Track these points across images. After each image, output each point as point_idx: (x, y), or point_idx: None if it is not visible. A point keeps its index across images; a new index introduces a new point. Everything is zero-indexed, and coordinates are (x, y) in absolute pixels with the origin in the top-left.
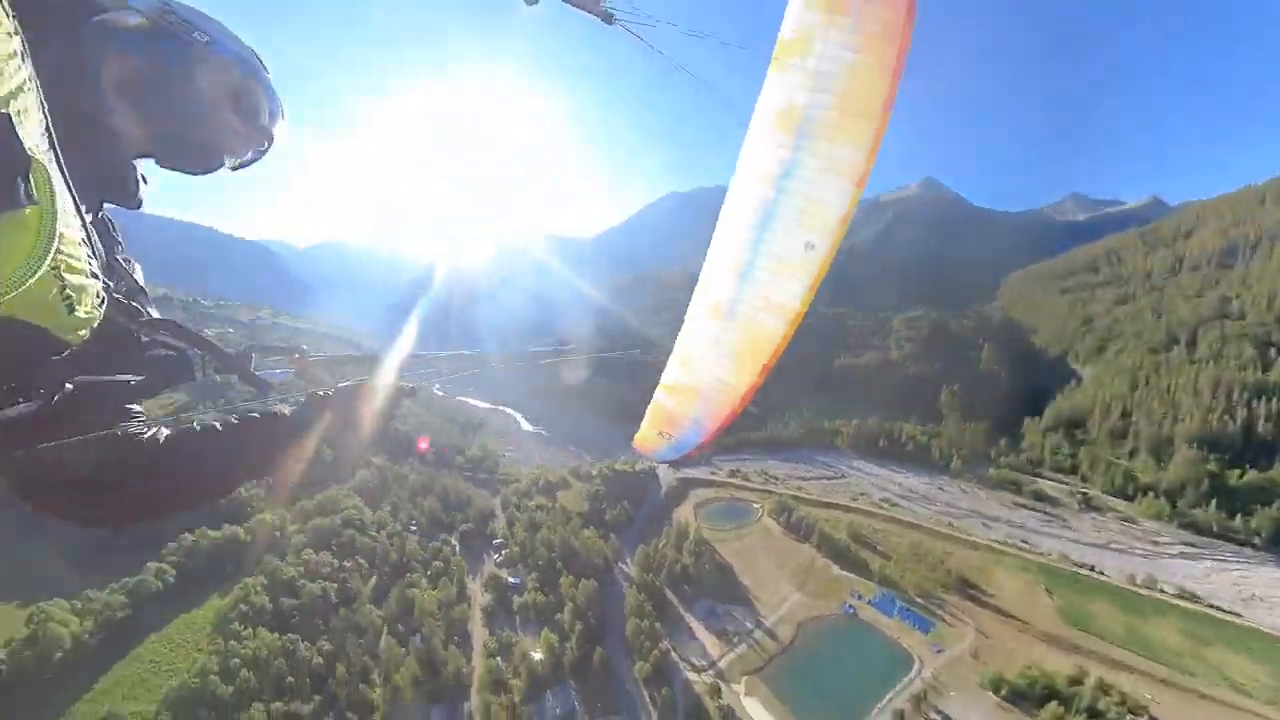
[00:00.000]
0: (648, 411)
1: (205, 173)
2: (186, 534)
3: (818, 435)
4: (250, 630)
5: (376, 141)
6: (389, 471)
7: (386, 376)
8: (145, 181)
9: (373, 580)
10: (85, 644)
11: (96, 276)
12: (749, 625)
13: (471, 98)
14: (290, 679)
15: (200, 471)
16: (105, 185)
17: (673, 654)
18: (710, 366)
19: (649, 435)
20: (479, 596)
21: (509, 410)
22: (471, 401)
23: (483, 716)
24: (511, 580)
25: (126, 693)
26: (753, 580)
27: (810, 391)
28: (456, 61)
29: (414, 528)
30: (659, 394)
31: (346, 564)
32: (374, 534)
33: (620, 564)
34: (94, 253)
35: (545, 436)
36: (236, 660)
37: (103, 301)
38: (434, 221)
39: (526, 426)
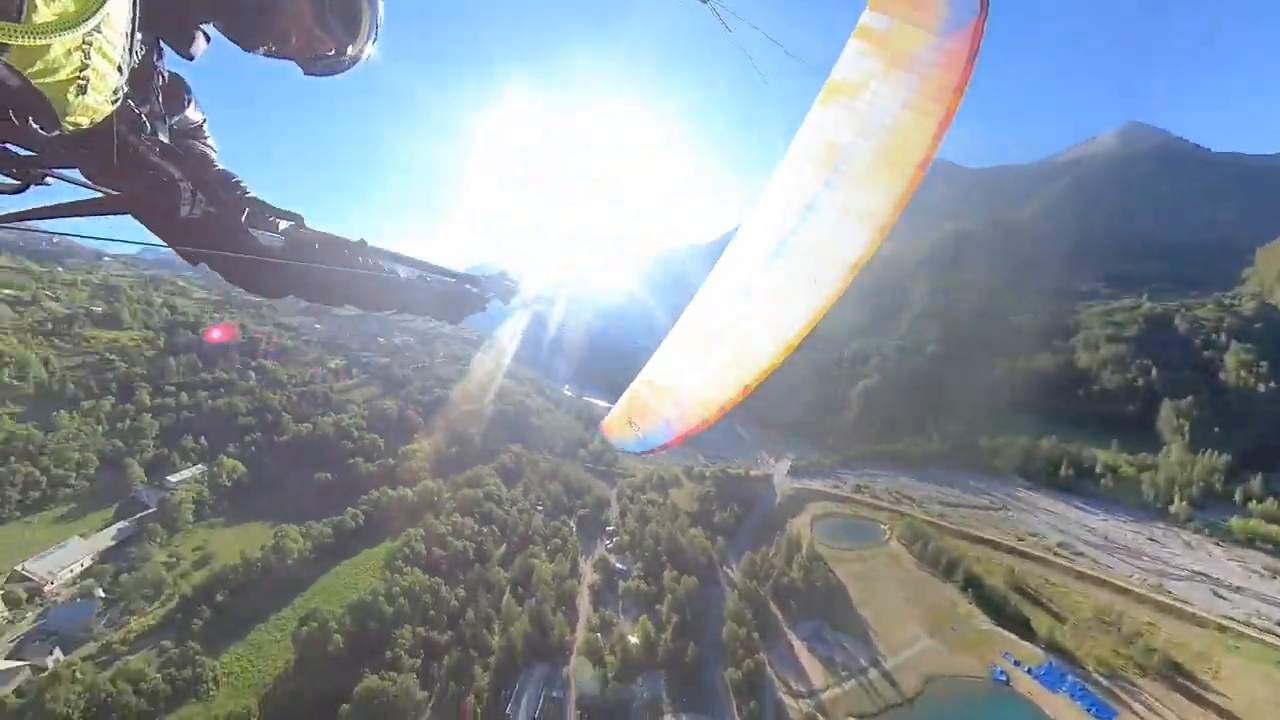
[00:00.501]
0: (623, 397)
1: (252, 49)
2: (374, 490)
3: (969, 454)
4: (409, 569)
5: (488, 156)
6: (524, 457)
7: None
8: (208, 39)
9: (503, 547)
10: (305, 558)
11: (121, 72)
12: (862, 661)
13: (575, 103)
14: (432, 612)
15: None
16: (163, 22)
17: (768, 669)
18: (692, 375)
19: (619, 422)
20: (588, 575)
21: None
22: (596, 401)
23: (578, 681)
24: (619, 566)
25: (325, 597)
26: (872, 612)
27: (959, 400)
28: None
29: (540, 507)
30: (638, 384)
31: (484, 530)
32: (507, 508)
33: (725, 567)
34: (130, 55)
35: None
36: (397, 589)
37: (116, 101)
38: (554, 237)
39: None
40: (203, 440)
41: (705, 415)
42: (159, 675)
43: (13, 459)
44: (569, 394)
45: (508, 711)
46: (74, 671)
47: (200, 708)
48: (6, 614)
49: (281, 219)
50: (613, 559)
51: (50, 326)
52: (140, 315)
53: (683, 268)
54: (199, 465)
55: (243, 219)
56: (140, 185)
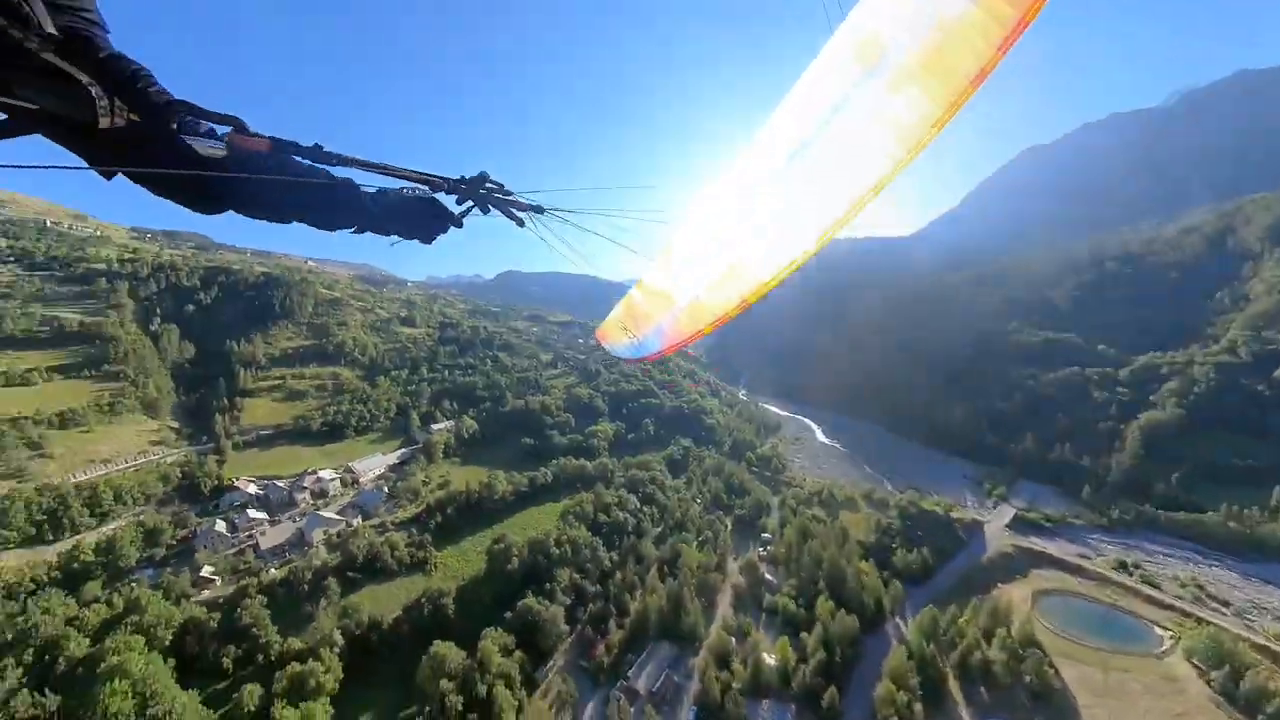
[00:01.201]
0: (619, 304)
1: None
2: (562, 457)
3: None
4: (577, 524)
5: None
6: (692, 451)
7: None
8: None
9: (659, 529)
10: (506, 498)
11: None
12: None
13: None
14: (589, 565)
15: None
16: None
17: None
18: (692, 284)
19: (613, 328)
20: (734, 576)
21: (806, 420)
22: (771, 407)
23: (703, 675)
24: (768, 576)
25: (513, 529)
26: None
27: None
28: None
29: (699, 499)
30: (634, 290)
31: (644, 509)
32: (668, 494)
33: (897, 617)
34: None
35: (842, 452)
36: (564, 538)
37: None
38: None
39: (822, 438)
40: (454, 404)
41: (699, 325)
42: (406, 549)
43: (354, 402)
44: (744, 397)
45: (630, 674)
46: (365, 530)
47: (422, 579)
48: (341, 490)
49: (218, 123)
50: (763, 568)
51: (378, 324)
52: (425, 318)
53: (871, 262)
54: (450, 421)
55: (173, 127)
56: (42, 96)
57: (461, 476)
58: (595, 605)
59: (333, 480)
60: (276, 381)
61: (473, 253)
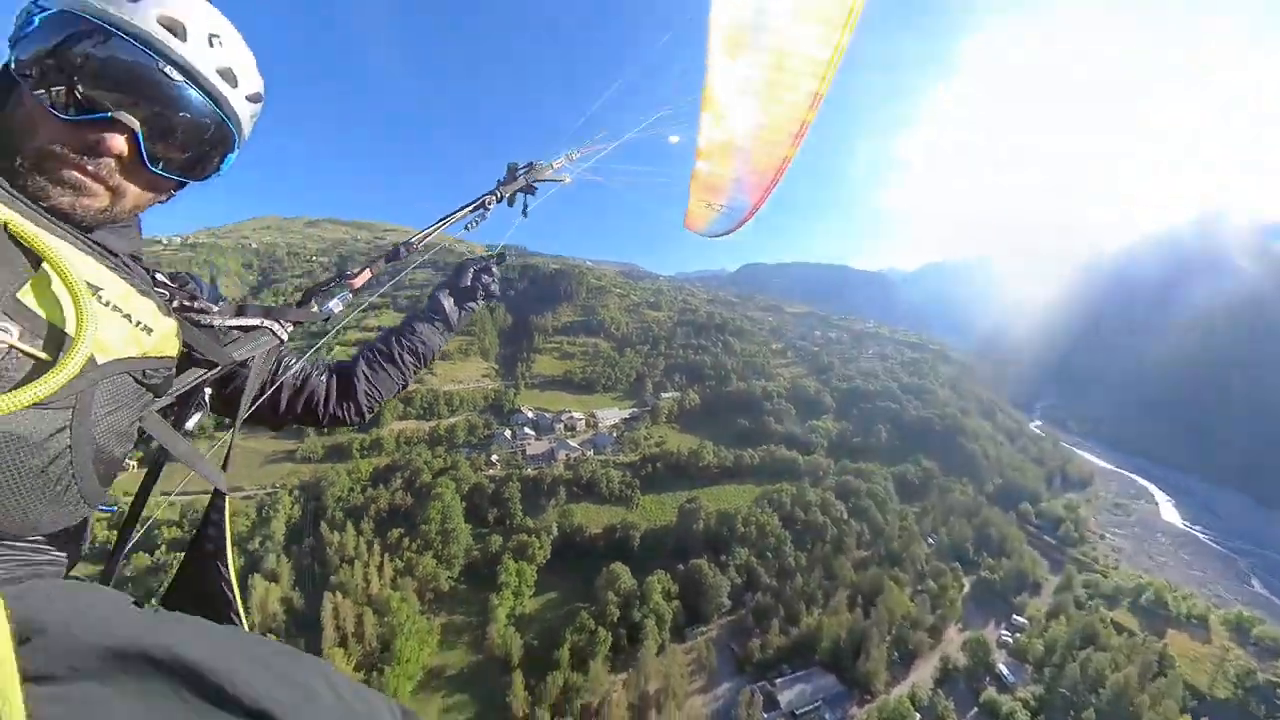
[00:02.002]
0: (689, 189)
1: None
2: (774, 445)
3: None
4: (770, 512)
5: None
6: (935, 478)
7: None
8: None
9: (865, 552)
10: (710, 467)
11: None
12: None
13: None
14: (770, 555)
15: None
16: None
17: None
18: (743, 113)
19: (696, 210)
20: (950, 646)
21: (1145, 482)
22: (1084, 452)
23: None
24: (1002, 668)
25: (709, 496)
26: None
27: None
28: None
29: (932, 539)
30: (697, 165)
31: (851, 522)
32: (887, 517)
33: None
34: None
35: (1205, 544)
36: (753, 520)
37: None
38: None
39: (1170, 515)
40: (683, 378)
41: (776, 150)
42: (618, 484)
43: (605, 366)
44: (1036, 430)
45: (778, 681)
46: (594, 462)
47: (623, 511)
48: (584, 429)
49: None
50: (999, 656)
51: (630, 308)
52: (668, 304)
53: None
54: (677, 392)
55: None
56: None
57: (677, 440)
58: (764, 598)
59: (580, 420)
60: (556, 345)
61: (716, 248)
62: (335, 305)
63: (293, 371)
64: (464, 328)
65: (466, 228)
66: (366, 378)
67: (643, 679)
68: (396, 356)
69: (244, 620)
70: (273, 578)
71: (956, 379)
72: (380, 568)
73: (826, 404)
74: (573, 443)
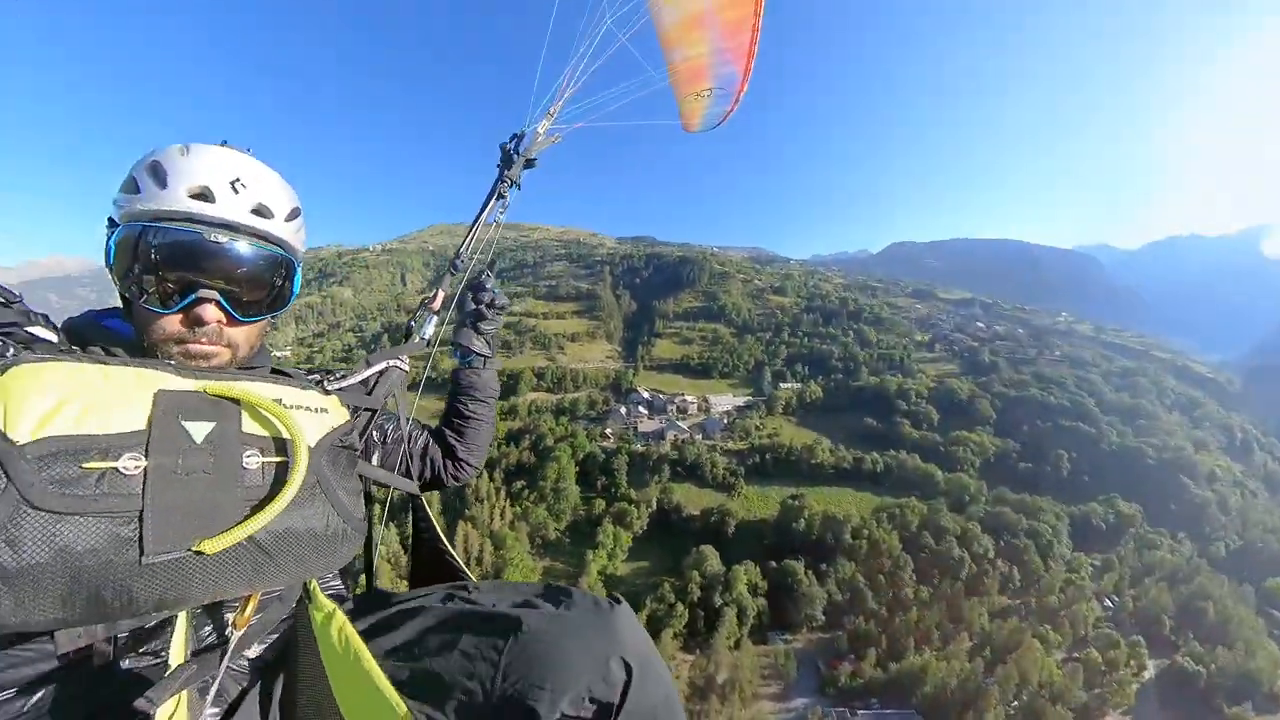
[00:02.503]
0: (673, 88)
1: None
2: (905, 453)
3: None
4: (889, 529)
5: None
6: (1137, 529)
7: None
8: None
9: (1013, 599)
10: (825, 469)
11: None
12: None
13: None
14: (881, 578)
15: None
16: None
17: None
18: None
19: (690, 107)
20: None
21: None
22: None
23: None
24: None
25: (821, 500)
26: None
27: None
28: None
29: (1111, 601)
30: (669, 56)
31: (998, 562)
32: (1051, 562)
33: None
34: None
35: None
36: (866, 534)
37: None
38: None
39: None
40: (805, 368)
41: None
42: (722, 470)
43: (723, 352)
44: None
45: (860, 713)
46: (700, 445)
47: (723, 497)
48: (695, 412)
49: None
50: None
51: (754, 293)
52: (796, 289)
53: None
54: (797, 383)
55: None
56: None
57: (791, 433)
58: (866, 625)
59: (692, 404)
60: (675, 330)
61: (855, 225)
62: (429, 330)
63: (419, 434)
64: (498, 342)
65: (497, 223)
66: (458, 443)
67: (712, 665)
68: (468, 413)
69: (471, 576)
70: (428, 503)
71: (1195, 401)
72: (502, 511)
73: (982, 413)
74: (682, 424)
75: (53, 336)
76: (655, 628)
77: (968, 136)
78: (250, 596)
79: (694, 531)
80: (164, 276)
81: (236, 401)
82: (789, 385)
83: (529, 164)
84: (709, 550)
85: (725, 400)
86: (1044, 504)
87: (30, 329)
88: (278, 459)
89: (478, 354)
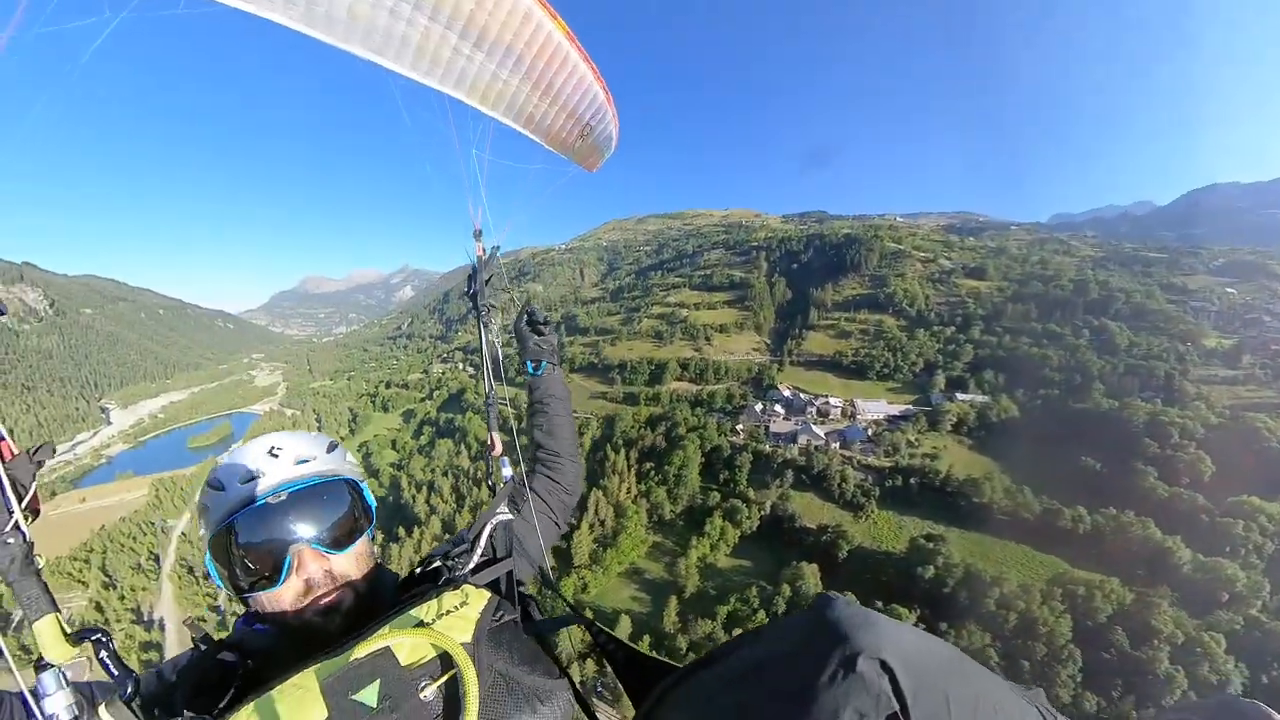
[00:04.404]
0: (564, 152)
1: None
2: (1143, 519)
3: None
4: (1057, 607)
5: None
6: None
7: None
8: None
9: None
10: (997, 511)
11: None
12: None
13: None
14: (1029, 665)
15: None
16: None
17: None
18: (506, 71)
19: (583, 153)
20: None
21: None
22: None
23: None
24: None
25: (970, 549)
26: None
27: None
28: None
29: None
30: (543, 137)
31: None
32: None
33: None
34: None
35: None
36: (1027, 608)
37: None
38: None
39: None
40: (999, 377)
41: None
42: (852, 486)
43: (886, 349)
44: None
45: None
46: (834, 454)
47: (847, 517)
48: (838, 417)
49: None
50: None
51: (937, 275)
52: (1003, 270)
53: None
54: (983, 395)
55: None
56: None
57: (958, 457)
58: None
59: (837, 407)
60: (833, 321)
61: (1127, 169)
62: (507, 470)
63: (531, 502)
64: (559, 354)
65: (499, 345)
66: (543, 438)
67: None
68: (547, 410)
69: (675, 665)
70: None
71: None
72: (629, 487)
73: None
74: (817, 429)
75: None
76: (734, 625)
77: None
78: None
79: (804, 545)
80: (258, 555)
81: (386, 649)
82: (968, 397)
83: (487, 283)
84: (810, 569)
85: (877, 406)
86: None
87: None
88: (449, 674)
89: (546, 361)
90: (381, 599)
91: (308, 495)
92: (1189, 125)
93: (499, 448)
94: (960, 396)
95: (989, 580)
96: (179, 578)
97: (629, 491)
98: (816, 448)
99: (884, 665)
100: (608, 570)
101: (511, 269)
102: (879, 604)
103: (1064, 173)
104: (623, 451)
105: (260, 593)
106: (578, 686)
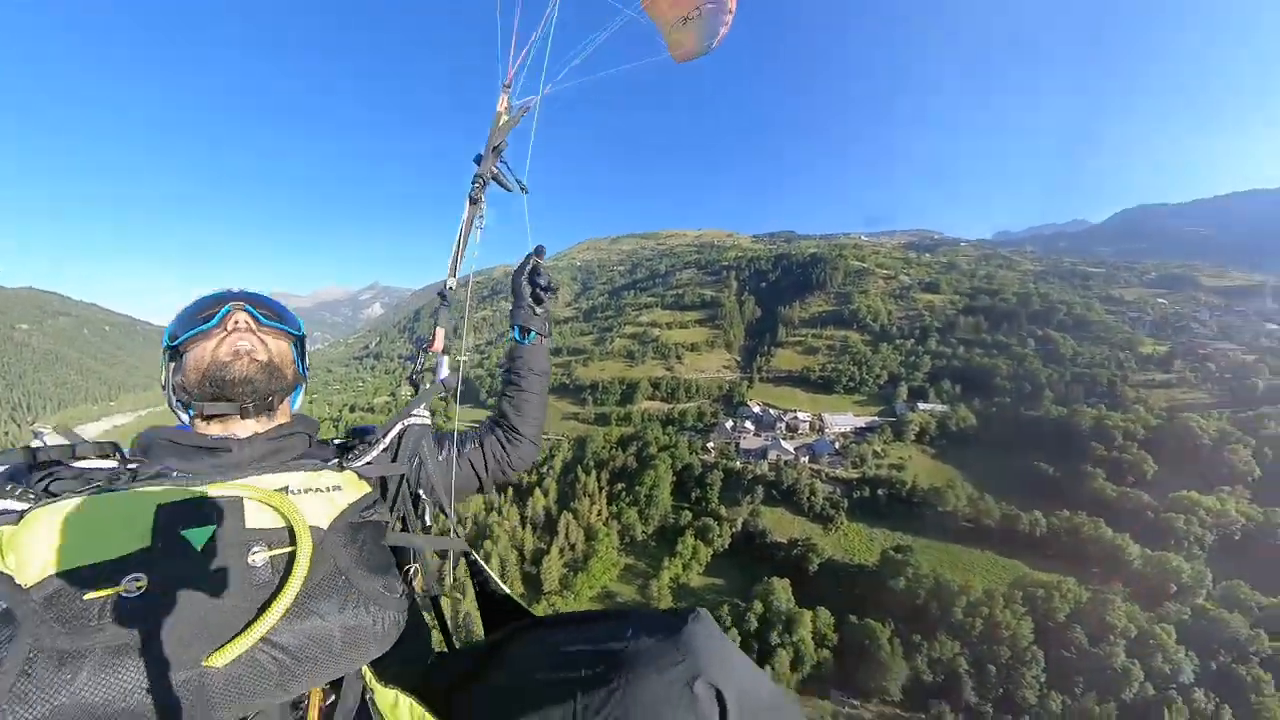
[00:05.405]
0: (654, 19)
1: None
2: (1092, 519)
3: None
4: (1022, 612)
5: None
6: None
7: None
8: None
9: None
10: (959, 520)
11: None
12: None
13: None
14: (993, 668)
15: None
16: None
17: None
18: None
19: (676, 37)
20: None
21: None
22: None
23: None
24: None
25: (935, 558)
26: None
27: None
28: None
29: None
30: None
31: (1204, 694)
32: None
33: None
34: None
35: None
36: (985, 612)
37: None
38: None
39: None
40: (955, 387)
41: None
42: (821, 499)
43: (851, 363)
44: None
45: None
46: (803, 469)
47: (818, 530)
48: (807, 431)
49: None
50: None
51: (897, 292)
52: (955, 284)
53: None
54: (942, 404)
55: None
56: None
57: (922, 467)
58: (955, 718)
59: (806, 421)
60: (800, 338)
61: (1062, 188)
62: (443, 370)
63: (469, 447)
64: (551, 324)
65: (476, 238)
66: (511, 410)
67: None
68: (522, 385)
69: (534, 613)
70: (545, 492)
71: None
72: (600, 510)
73: (1237, 468)
74: (787, 444)
75: (108, 464)
76: None
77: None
78: (311, 707)
79: (775, 560)
80: (200, 307)
81: (238, 499)
82: (929, 407)
83: (496, 151)
84: (781, 584)
85: (844, 420)
86: None
87: (76, 463)
88: (288, 549)
89: (536, 332)
90: (287, 428)
91: (256, 293)
92: (1119, 150)
93: (440, 344)
94: (922, 406)
95: (956, 589)
96: None
97: (600, 514)
98: (786, 462)
99: (720, 696)
100: (579, 595)
101: (484, 286)
102: (853, 618)
103: (1002, 195)
104: (594, 473)
105: (190, 349)
106: (443, 612)
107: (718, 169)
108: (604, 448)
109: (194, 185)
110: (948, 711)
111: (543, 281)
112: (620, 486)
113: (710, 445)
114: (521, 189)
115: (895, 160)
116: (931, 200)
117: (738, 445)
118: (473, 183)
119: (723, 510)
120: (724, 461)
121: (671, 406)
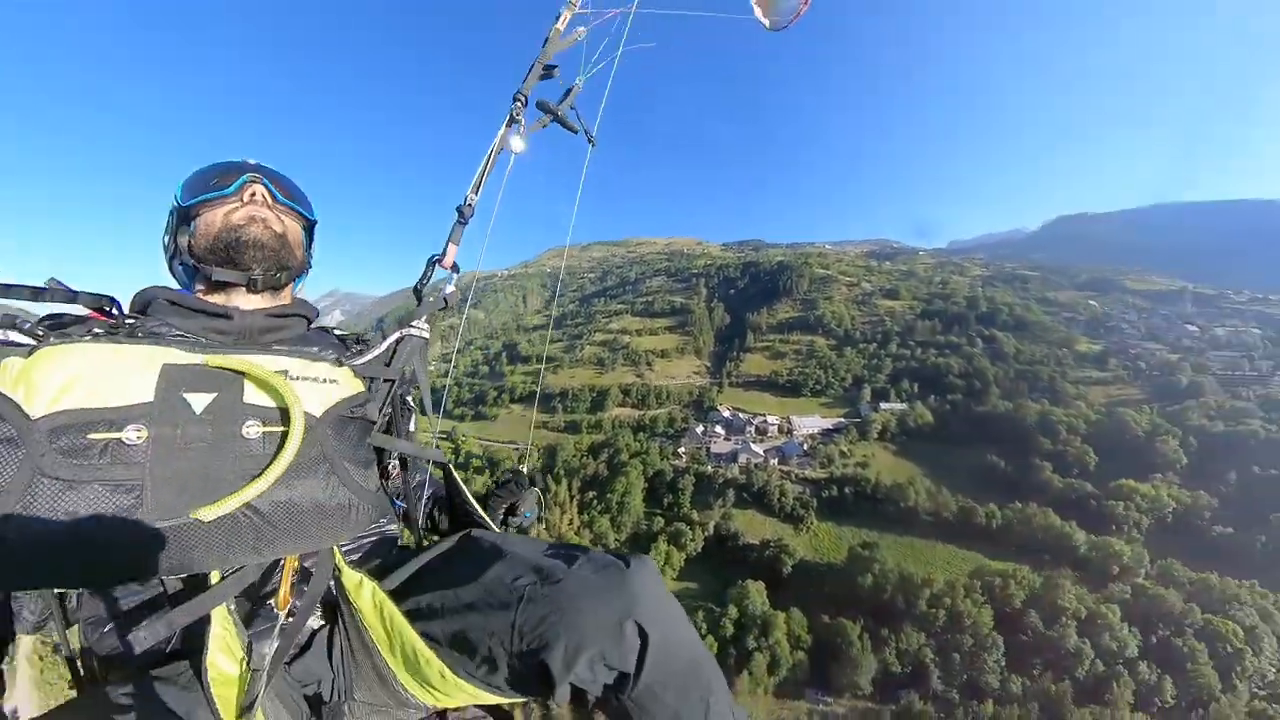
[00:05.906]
0: None
1: None
2: (1042, 508)
3: None
4: (982, 600)
5: None
6: None
7: None
8: None
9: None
10: (921, 516)
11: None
12: None
13: None
14: (958, 657)
15: None
16: None
17: None
18: None
19: None
20: None
21: None
22: None
23: None
24: None
25: (902, 552)
26: None
27: None
28: None
29: None
30: None
31: (1149, 668)
32: (1241, 682)
33: None
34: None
35: None
36: (948, 603)
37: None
38: None
39: None
40: (914, 386)
41: None
42: (792, 499)
43: (817, 367)
44: None
45: None
46: (773, 470)
47: (789, 531)
48: (776, 434)
49: None
50: None
51: (859, 298)
52: (913, 290)
53: None
54: (902, 404)
55: None
56: None
57: (886, 464)
58: (924, 706)
59: (774, 424)
60: (769, 343)
61: (1005, 198)
62: (448, 288)
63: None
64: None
65: (510, 163)
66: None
67: None
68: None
69: (495, 528)
70: None
71: None
72: (571, 519)
73: (1166, 456)
74: (756, 447)
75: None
76: None
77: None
78: (284, 579)
79: (748, 562)
80: (217, 171)
81: (239, 373)
82: (891, 406)
83: (547, 72)
84: (755, 587)
85: (812, 422)
86: (1243, 592)
87: (74, 311)
88: (281, 429)
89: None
90: (289, 308)
91: (271, 169)
92: (1052, 154)
93: (450, 260)
94: (884, 406)
95: (920, 582)
96: (39, 659)
97: (571, 523)
98: (756, 465)
99: (644, 634)
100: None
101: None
102: (825, 619)
103: (957, 205)
104: (564, 482)
105: (202, 214)
106: (415, 517)
107: (689, 177)
108: (575, 456)
109: (131, 181)
110: (916, 700)
111: (516, 522)
112: (592, 495)
113: (681, 450)
114: (589, 140)
115: (860, 169)
116: (891, 211)
117: (708, 450)
118: (514, 101)
119: (695, 515)
120: (695, 466)
121: (642, 413)
